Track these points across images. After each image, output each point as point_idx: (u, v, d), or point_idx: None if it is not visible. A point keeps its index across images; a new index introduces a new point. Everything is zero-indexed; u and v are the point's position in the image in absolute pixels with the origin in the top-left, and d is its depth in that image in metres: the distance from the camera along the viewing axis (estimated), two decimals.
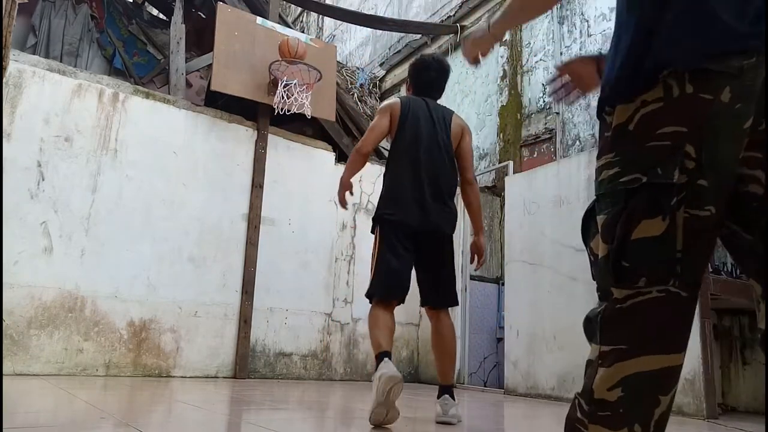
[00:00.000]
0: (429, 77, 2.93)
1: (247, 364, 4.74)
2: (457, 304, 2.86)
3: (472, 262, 2.94)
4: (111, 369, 4.16)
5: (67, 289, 4.08)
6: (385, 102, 2.95)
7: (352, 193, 2.84)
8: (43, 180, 4.11)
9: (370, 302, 2.65)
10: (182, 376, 4.42)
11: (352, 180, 2.79)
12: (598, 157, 1.00)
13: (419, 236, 2.68)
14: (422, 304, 2.83)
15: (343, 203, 2.85)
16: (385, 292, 2.62)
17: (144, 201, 4.50)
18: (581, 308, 3.91)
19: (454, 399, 2.59)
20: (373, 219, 2.76)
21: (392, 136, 2.82)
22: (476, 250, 2.91)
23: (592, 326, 0.98)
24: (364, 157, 2.80)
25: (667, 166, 0.88)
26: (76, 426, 1.95)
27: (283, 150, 5.34)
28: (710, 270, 3.54)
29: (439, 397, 2.61)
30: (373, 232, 2.75)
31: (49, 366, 3.92)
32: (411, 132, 2.76)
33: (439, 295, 2.75)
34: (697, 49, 0.90)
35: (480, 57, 1.47)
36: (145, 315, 4.37)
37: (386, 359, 2.39)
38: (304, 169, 5.46)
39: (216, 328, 4.65)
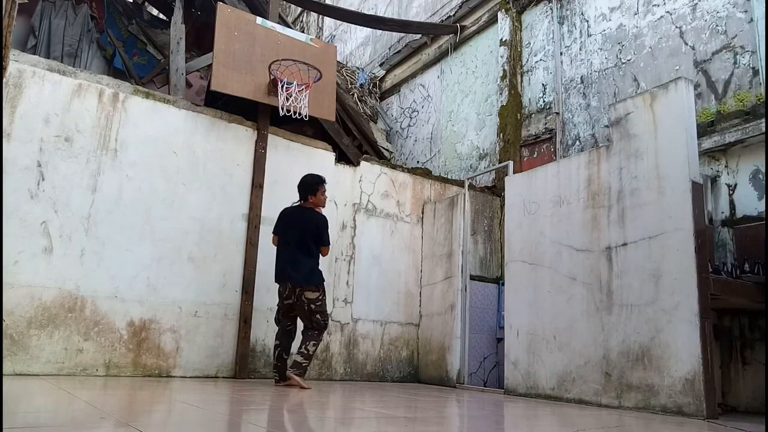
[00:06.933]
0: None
1: (247, 364, 4.75)
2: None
3: None
4: (111, 369, 4.16)
5: (67, 289, 4.08)
6: None
7: None
8: (43, 180, 4.11)
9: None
10: (182, 376, 4.43)
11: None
12: None
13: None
14: None
15: None
16: None
17: (144, 201, 4.50)
18: (581, 308, 3.94)
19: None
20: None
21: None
22: None
23: None
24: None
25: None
26: (76, 426, 1.95)
27: (283, 150, 5.34)
28: (710, 270, 3.54)
29: None
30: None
31: (49, 366, 3.92)
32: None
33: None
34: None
35: None
36: (145, 315, 4.38)
37: None
38: (304, 169, 5.43)
39: (216, 328, 4.65)
